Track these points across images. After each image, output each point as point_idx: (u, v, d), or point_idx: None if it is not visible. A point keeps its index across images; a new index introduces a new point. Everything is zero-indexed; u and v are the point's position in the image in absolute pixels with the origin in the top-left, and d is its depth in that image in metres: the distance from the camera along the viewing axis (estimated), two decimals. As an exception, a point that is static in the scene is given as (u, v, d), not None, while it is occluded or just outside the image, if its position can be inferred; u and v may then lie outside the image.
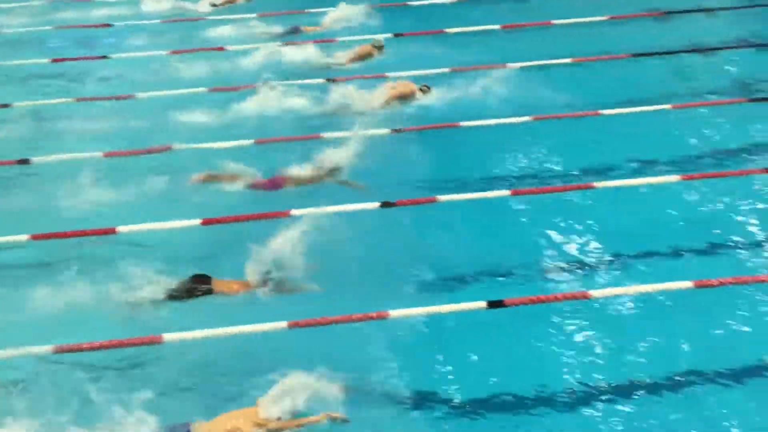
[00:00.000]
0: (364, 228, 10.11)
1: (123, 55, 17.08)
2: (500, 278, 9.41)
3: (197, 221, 10.36)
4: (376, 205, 10.67)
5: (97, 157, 12.32)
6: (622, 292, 8.87)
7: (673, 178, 11.11)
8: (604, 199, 10.81)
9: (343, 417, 7.11)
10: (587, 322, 8.58)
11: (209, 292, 8.91)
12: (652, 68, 15.13)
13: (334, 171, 11.34)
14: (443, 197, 10.85)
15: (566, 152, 12.21)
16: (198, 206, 10.78)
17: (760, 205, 10.61)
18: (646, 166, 11.60)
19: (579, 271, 9.48)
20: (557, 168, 11.81)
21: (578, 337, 8.40)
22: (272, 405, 7.03)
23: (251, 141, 12.64)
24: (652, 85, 14.35)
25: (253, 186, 11.29)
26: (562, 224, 10.32)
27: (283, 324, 8.33)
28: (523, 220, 10.62)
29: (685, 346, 8.14)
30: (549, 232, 10.13)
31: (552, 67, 15.34)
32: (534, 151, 12.33)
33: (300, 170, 11.41)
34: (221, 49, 17.17)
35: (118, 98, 14.74)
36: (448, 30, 17.65)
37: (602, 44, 15.96)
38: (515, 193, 10.95)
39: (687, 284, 8.84)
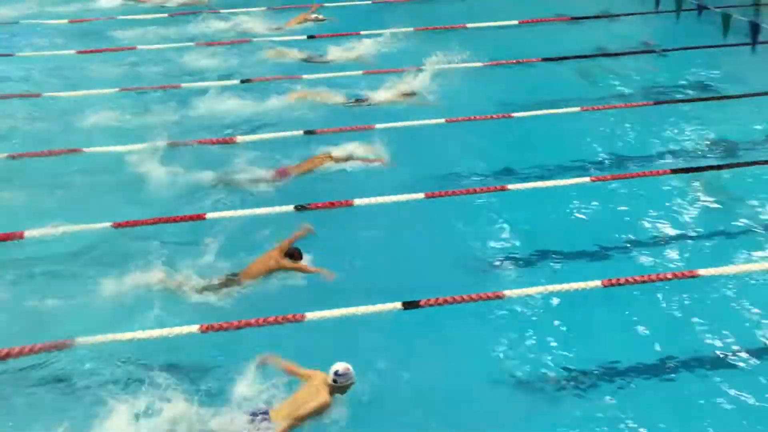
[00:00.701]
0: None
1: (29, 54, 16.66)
2: (417, 279, 9.45)
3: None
4: (290, 207, 10.72)
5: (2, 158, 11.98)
6: (534, 292, 8.99)
7: (584, 179, 11.38)
8: (516, 201, 10.99)
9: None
10: (503, 322, 8.69)
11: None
12: (561, 72, 15.44)
13: None
14: (359, 201, 10.89)
15: (479, 155, 12.35)
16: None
17: (667, 204, 10.92)
18: (557, 168, 11.82)
19: (493, 271, 9.59)
20: (470, 170, 11.91)
21: (492, 337, 8.48)
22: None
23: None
24: (562, 89, 14.64)
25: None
26: (475, 226, 10.42)
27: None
28: (438, 222, 10.68)
29: (597, 343, 8.33)
30: (462, 233, 10.18)
31: (464, 70, 15.54)
32: (447, 154, 12.42)
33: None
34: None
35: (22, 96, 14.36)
36: (362, 32, 17.73)
37: (514, 48, 16.22)
38: (429, 196, 11.01)
39: (596, 283, 9.04)
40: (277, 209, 10.45)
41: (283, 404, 7.31)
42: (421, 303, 8.78)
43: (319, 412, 7.19)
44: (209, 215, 10.26)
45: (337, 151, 12.19)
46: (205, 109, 13.98)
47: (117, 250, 9.95)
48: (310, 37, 17.68)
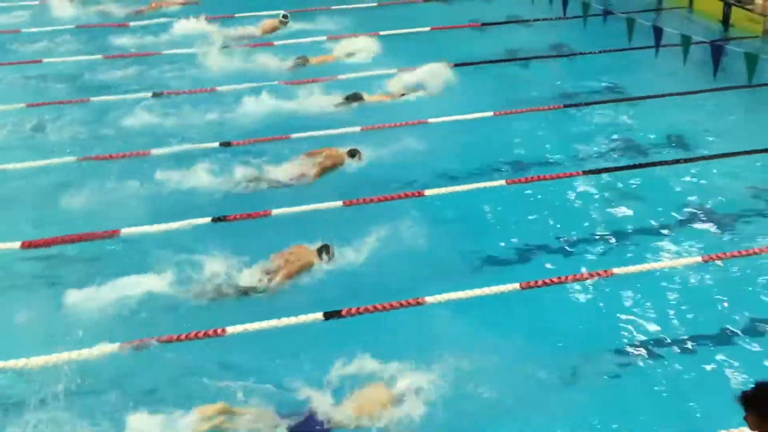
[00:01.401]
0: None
1: None
2: (337, 290, 9.44)
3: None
4: (207, 220, 10.65)
5: None
6: (455, 297, 9.08)
7: (499, 182, 11.54)
8: (434, 206, 11.08)
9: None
10: (420, 332, 8.71)
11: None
12: (473, 77, 15.64)
13: None
14: (276, 211, 10.85)
15: (393, 161, 12.39)
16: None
17: (579, 205, 11.15)
18: (472, 172, 11.96)
19: (414, 278, 9.63)
20: (385, 177, 11.95)
21: (413, 345, 8.45)
22: None
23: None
24: (475, 93, 14.84)
25: None
26: (393, 233, 10.41)
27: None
28: (357, 228, 10.67)
29: (516, 345, 8.42)
30: (381, 240, 10.18)
31: (378, 76, 15.62)
32: (368, 161, 12.42)
33: None
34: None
35: None
36: (276, 43, 17.67)
37: (426, 54, 16.34)
38: (345, 204, 11.04)
39: (514, 286, 9.21)
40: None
41: None
42: (343, 312, 8.81)
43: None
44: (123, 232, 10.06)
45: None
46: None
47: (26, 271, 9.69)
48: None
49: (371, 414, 7.37)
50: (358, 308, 8.85)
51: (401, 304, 8.96)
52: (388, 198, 11.20)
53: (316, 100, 14.41)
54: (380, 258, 9.87)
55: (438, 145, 12.90)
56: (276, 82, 15.09)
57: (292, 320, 8.68)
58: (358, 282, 9.51)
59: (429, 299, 9.01)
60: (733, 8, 18.85)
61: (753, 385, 5.43)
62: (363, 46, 17.17)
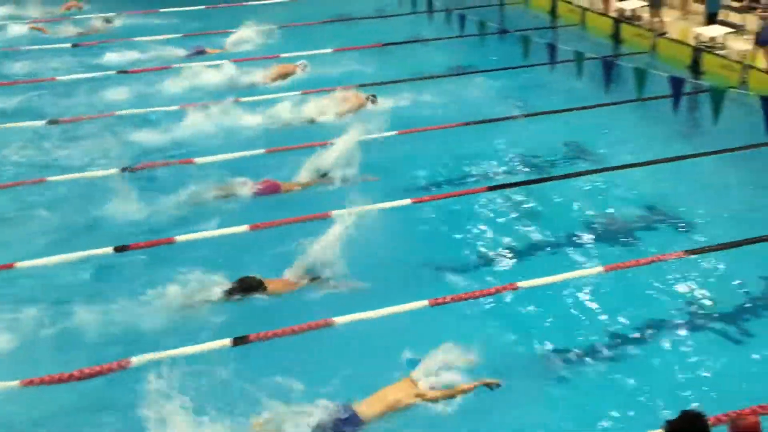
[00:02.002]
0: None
1: None
2: (244, 313, 9.31)
3: None
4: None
5: None
6: (365, 317, 9.05)
7: (405, 201, 11.64)
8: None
9: (497, 382, 7.72)
10: (330, 353, 8.67)
11: (264, 290, 9.49)
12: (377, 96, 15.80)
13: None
14: (181, 238, 10.68)
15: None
16: None
17: (485, 221, 11.29)
18: (379, 191, 11.99)
19: (321, 299, 9.58)
20: (294, 197, 11.88)
21: (319, 366, 8.40)
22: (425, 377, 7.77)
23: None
24: (377, 113, 14.92)
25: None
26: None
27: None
28: (268, 252, 10.57)
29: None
30: (283, 262, 10.01)
31: (282, 98, 15.63)
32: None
33: None
34: None
35: None
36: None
37: (328, 76, 16.39)
38: (253, 228, 10.95)
39: (423, 303, 9.26)
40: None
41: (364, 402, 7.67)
42: (251, 338, 8.71)
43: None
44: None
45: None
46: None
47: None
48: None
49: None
50: (266, 333, 8.75)
51: (310, 327, 8.91)
52: (292, 220, 11.15)
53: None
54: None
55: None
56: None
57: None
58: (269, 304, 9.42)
59: (338, 320, 8.97)
60: (623, 25, 19.56)
61: (678, 415, 5.54)
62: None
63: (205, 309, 9.31)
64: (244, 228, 10.90)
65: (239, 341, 8.67)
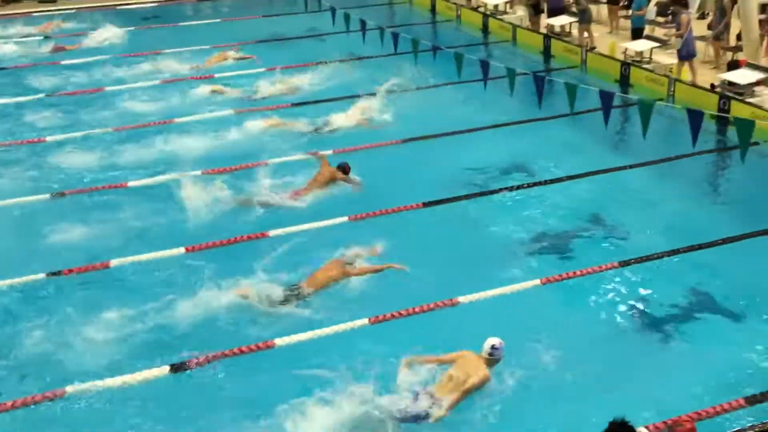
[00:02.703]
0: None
1: None
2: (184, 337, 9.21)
3: None
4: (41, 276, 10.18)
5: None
6: (306, 338, 9.01)
7: (342, 219, 11.66)
8: (276, 245, 10.93)
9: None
10: (266, 376, 8.60)
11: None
12: (305, 115, 15.85)
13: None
14: (116, 261, 10.49)
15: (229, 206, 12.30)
16: None
17: (420, 236, 11.31)
18: (314, 210, 11.99)
19: (266, 320, 9.51)
20: (222, 220, 11.82)
21: (250, 391, 8.35)
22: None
23: None
24: (295, 137, 14.96)
25: None
26: (230, 278, 10.22)
27: None
28: (199, 277, 10.45)
29: (372, 380, 8.41)
30: (217, 288, 9.94)
31: (217, 119, 15.49)
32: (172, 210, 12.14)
33: None
34: None
35: None
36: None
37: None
38: (189, 251, 10.83)
39: (363, 321, 9.28)
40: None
41: (444, 382, 7.94)
42: (188, 364, 8.59)
43: (481, 385, 7.94)
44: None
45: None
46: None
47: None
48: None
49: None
50: (206, 356, 8.64)
51: (251, 349, 8.85)
52: (229, 242, 11.05)
53: None
54: (215, 306, 9.70)
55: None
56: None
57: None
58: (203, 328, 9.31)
59: (278, 341, 8.93)
60: (553, 40, 19.93)
61: (606, 425, 5.59)
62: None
63: (138, 337, 9.18)
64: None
65: (177, 368, 8.55)
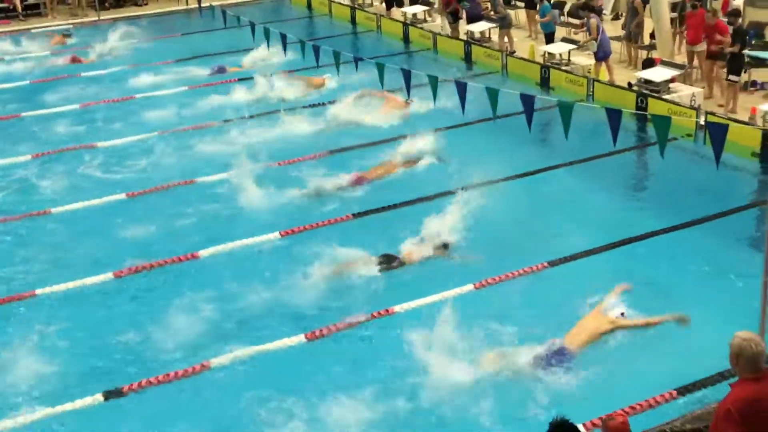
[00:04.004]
0: None
1: None
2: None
3: None
4: None
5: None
6: (241, 356, 8.96)
7: (273, 235, 11.58)
8: (186, 272, 10.89)
9: (685, 318, 8.99)
10: (212, 391, 8.51)
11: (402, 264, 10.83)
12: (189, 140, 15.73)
13: None
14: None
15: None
16: None
17: (349, 247, 11.13)
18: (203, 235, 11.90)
19: (197, 342, 9.37)
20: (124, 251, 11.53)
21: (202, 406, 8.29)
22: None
23: None
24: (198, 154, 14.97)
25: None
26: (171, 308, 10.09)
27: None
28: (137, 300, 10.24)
29: (304, 399, 8.39)
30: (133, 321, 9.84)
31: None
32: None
33: None
34: None
35: None
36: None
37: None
38: (117, 275, 10.60)
39: (300, 338, 9.26)
40: None
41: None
42: (124, 390, 8.43)
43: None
44: None
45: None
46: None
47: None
48: None
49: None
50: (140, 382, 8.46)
51: (186, 373, 8.72)
52: (161, 264, 10.87)
53: None
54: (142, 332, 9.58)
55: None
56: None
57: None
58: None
59: (181, 372, 8.80)
60: (474, 46, 20.15)
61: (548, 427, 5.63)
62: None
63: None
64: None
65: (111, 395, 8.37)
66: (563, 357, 8.61)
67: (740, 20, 16.45)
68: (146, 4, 27.82)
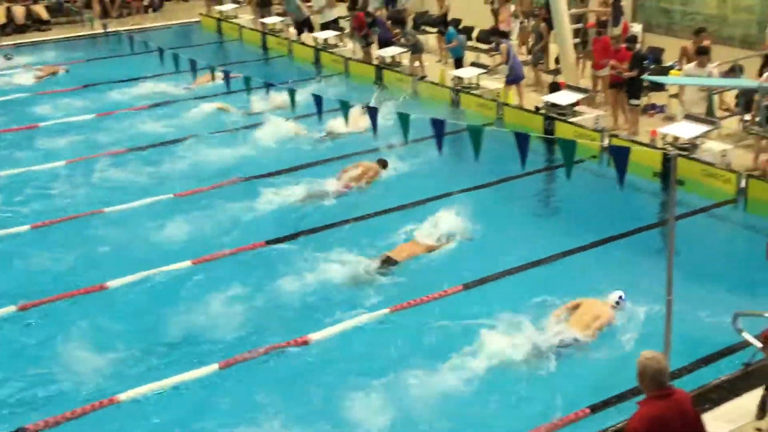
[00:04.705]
0: None
1: None
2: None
3: None
4: None
5: None
6: (147, 391, 8.73)
7: (186, 263, 11.40)
8: (106, 301, 10.67)
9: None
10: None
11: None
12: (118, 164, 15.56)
13: None
14: None
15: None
16: None
17: (258, 277, 11.11)
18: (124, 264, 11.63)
19: (103, 375, 9.13)
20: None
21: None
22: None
23: None
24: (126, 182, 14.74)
25: None
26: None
27: None
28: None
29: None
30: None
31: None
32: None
33: None
34: None
35: None
36: None
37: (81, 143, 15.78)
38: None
39: (213, 367, 9.12)
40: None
41: (574, 320, 9.56)
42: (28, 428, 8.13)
43: (607, 323, 9.65)
44: None
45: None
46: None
47: None
48: None
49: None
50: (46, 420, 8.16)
51: (85, 410, 8.46)
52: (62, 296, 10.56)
53: None
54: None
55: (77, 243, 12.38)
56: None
57: None
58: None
59: (121, 397, 8.59)
60: (385, 71, 20.32)
61: None
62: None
63: None
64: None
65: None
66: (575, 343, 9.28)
67: (638, 45, 17.01)
68: (50, 30, 27.20)
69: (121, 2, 29.20)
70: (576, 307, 9.79)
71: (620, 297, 9.86)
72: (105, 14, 28.35)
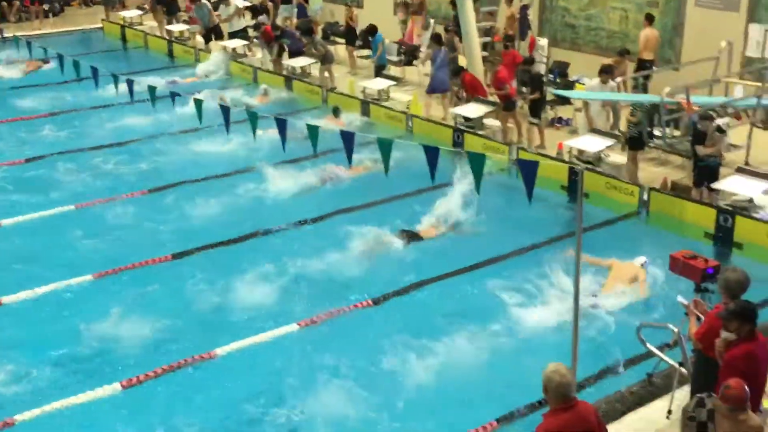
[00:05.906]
0: None
1: None
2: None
3: None
4: None
5: None
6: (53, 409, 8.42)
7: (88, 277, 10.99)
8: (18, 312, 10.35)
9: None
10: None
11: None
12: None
13: None
14: None
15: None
16: None
17: (169, 289, 10.93)
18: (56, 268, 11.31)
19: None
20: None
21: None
22: None
23: None
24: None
25: None
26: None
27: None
28: None
29: None
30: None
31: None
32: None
33: None
34: None
35: None
36: None
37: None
38: None
39: (114, 387, 8.83)
40: None
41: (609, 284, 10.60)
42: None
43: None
44: None
45: None
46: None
47: None
48: None
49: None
50: None
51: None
52: None
53: None
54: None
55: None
56: None
57: None
58: None
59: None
60: (295, 81, 20.17)
61: None
62: None
63: None
64: None
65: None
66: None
67: (535, 67, 17.21)
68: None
69: (19, 6, 28.29)
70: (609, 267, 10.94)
71: (645, 261, 10.80)
72: (2, 18, 27.42)
